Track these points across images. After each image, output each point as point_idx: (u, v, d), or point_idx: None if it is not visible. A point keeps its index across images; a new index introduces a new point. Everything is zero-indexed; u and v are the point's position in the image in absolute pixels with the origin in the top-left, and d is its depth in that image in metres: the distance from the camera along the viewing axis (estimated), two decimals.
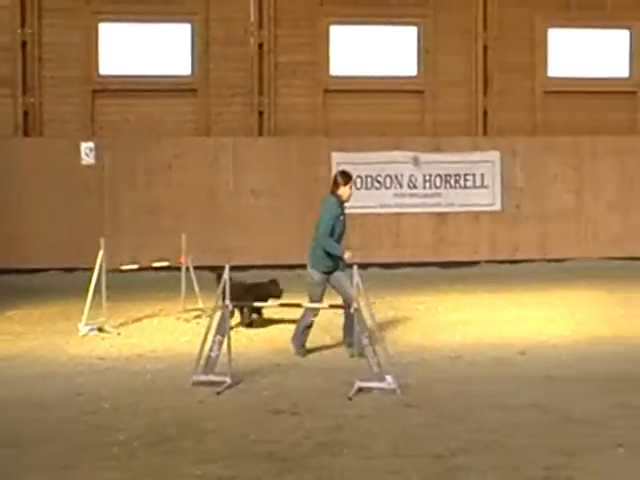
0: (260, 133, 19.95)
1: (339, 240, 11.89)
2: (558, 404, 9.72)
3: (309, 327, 12.12)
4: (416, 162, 19.39)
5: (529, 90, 20.29)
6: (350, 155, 19.25)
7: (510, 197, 19.67)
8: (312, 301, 11.89)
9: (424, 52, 20.02)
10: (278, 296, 13.64)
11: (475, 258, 19.49)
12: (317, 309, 11.88)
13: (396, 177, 19.34)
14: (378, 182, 19.33)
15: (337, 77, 19.98)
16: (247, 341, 13.04)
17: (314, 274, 11.93)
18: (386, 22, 20.14)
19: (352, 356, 11.16)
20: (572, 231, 19.82)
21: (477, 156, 19.59)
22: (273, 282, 13.98)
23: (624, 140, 20.24)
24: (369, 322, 10.48)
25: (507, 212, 19.66)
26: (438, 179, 19.49)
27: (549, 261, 19.54)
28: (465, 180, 19.53)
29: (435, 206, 19.44)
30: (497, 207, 19.62)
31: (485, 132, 20.08)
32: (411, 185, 19.39)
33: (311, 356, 12.06)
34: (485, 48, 20.03)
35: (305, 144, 19.59)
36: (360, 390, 10.06)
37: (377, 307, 14.09)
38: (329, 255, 11.76)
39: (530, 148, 19.93)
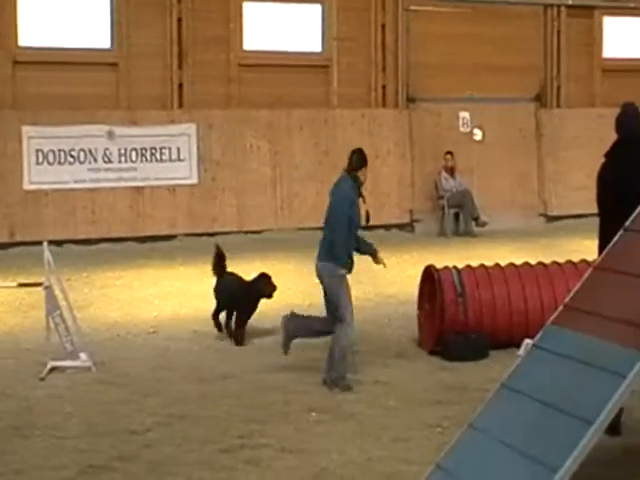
0: None
1: (356, 231, 10.01)
2: (253, 373, 9.90)
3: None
4: (111, 136, 19.06)
5: (224, 63, 20.34)
6: (42, 129, 18.66)
7: (207, 170, 19.72)
8: (340, 308, 9.64)
9: (117, 25, 19.67)
10: (269, 297, 11.64)
11: (173, 232, 19.42)
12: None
13: (90, 151, 18.93)
14: (72, 157, 18.83)
15: (27, 48, 19.27)
16: None
17: (339, 270, 9.74)
18: None
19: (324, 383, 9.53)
20: (269, 203, 20.12)
21: (173, 129, 19.48)
22: (264, 277, 11.73)
23: (318, 113, 20.73)
24: (62, 300, 10.23)
25: (204, 185, 19.68)
26: (134, 153, 19.23)
27: (247, 233, 19.73)
28: (161, 154, 19.39)
29: (131, 180, 19.18)
30: (194, 180, 19.59)
31: (181, 105, 19.99)
32: (106, 159, 19.03)
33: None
34: (179, 21, 19.92)
35: None
36: (53, 370, 9.82)
37: (73, 284, 13.76)
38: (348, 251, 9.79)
39: (226, 121, 20.03)
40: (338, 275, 9.61)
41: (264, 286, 11.57)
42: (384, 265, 10.18)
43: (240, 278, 11.91)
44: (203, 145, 19.71)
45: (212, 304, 11.81)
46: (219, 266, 11.91)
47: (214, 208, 19.72)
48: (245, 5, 20.38)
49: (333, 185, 10.06)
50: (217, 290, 11.82)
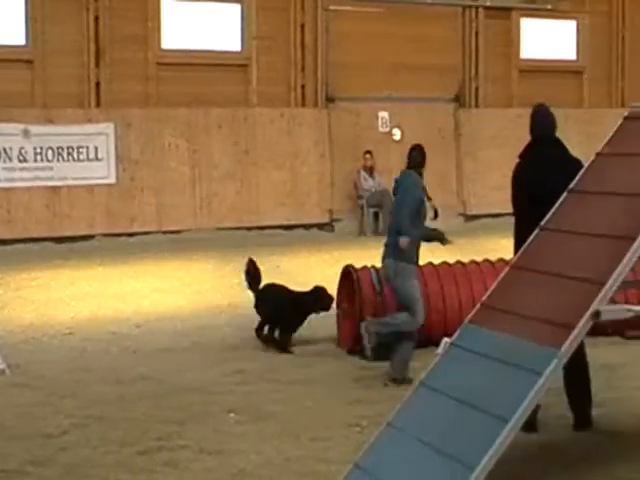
0: None
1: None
2: (172, 375, 9.83)
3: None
4: (26, 134, 18.80)
5: (142, 61, 20.17)
6: None
7: (125, 169, 19.54)
8: (412, 303, 9.48)
9: (32, 21, 19.40)
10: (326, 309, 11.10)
11: (91, 232, 19.20)
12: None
13: (5, 150, 18.65)
14: None
15: None
16: None
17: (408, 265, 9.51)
18: None
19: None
20: (188, 202, 20.00)
21: (90, 128, 19.27)
22: (318, 290, 11.13)
23: (237, 112, 20.67)
24: None
25: (122, 184, 19.50)
26: (50, 152, 18.97)
27: (165, 233, 19.59)
28: (79, 153, 19.15)
29: (48, 180, 18.93)
30: (112, 180, 19.41)
31: (98, 104, 19.79)
32: (21, 159, 18.76)
33: None
34: (97, 18, 19.71)
35: None
36: None
37: None
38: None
39: (144, 120, 19.87)
40: (409, 270, 9.46)
41: (317, 300, 10.96)
42: (451, 243, 10.42)
43: (287, 290, 11.32)
44: (121, 144, 19.52)
45: (131, 305, 11.75)
46: (255, 281, 11.27)
47: (132, 208, 19.55)
48: (163, 3, 20.23)
49: (395, 182, 10.09)
50: (259, 304, 11.12)
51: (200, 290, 14.37)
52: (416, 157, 10.01)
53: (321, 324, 11.69)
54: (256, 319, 11.14)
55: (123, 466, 7.22)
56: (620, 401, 8.72)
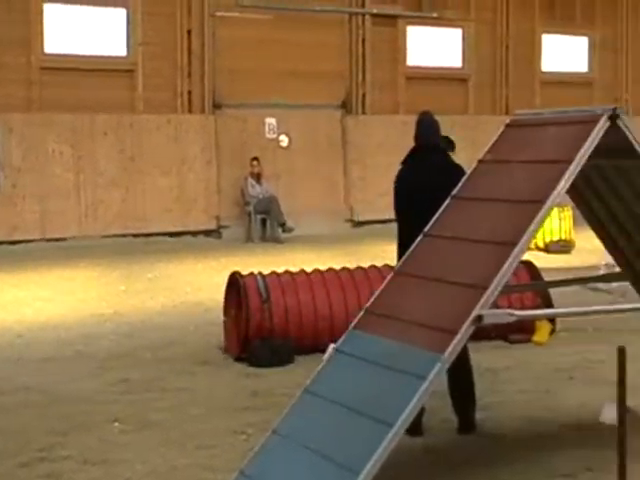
0: None
1: None
2: (54, 385, 9.66)
3: None
4: None
5: (25, 66, 19.84)
6: None
7: (7, 176, 19.19)
8: None
9: None
10: None
11: None
12: None
13: None
14: None
15: None
16: None
17: None
18: None
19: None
20: (72, 209, 19.74)
21: None
22: None
23: (123, 118, 20.47)
24: None
25: (4, 192, 19.15)
26: None
27: (49, 240, 19.30)
28: None
29: None
30: None
31: None
32: None
33: None
34: None
35: None
36: None
37: None
38: None
39: (27, 125, 19.56)
40: None
41: None
42: None
43: None
44: (2, 150, 19.17)
45: (14, 314, 11.47)
46: None
47: (15, 216, 19.21)
48: (46, 7, 19.94)
49: None
50: None
51: (85, 298, 14.18)
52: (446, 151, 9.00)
53: (207, 332, 11.66)
54: (142, 327, 11.04)
55: (3, 479, 7.06)
56: (503, 405, 8.85)
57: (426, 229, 7.17)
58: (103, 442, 7.91)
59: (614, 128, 6.77)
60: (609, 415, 7.70)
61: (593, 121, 6.78)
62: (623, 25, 26.47)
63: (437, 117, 8.44)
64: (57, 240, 19.36)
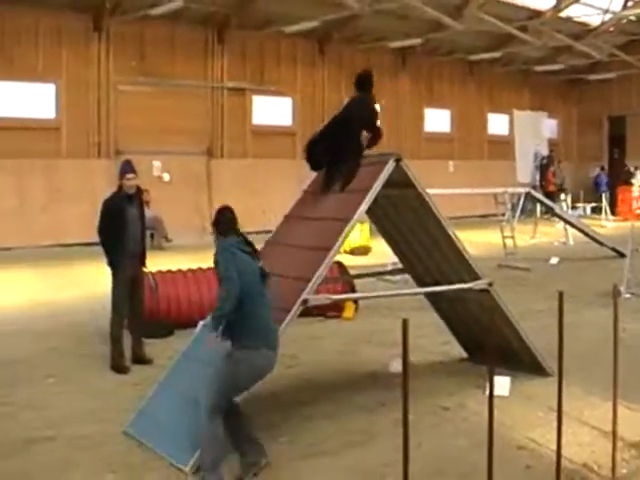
0: None
1: None
2: (5, 353, 9.17)
3: None
4: None
5: None
6: None
7: None
8: None
9: None
10: None
11: None
12: None
13: None
14: None
15: None
16: None
17: None
18: None
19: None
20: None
21: None
22: None
23: (51, 162, 19.70)
24: None
25: None
26: None
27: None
28: None
29: None
30: None
31: None
32: None
33: None
34: None
35: None
36: None
37: None
38: None
39: None
40: None
41: None
42: None
43: None
44: None
45: None
46: None
47: None
48: None
49: None
50: None
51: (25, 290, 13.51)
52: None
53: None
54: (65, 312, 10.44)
55: None
56: (322, 361, 8.90)
57: (268, 239, 7.20)
58: (40, 392, 7.62)
59: (398, 167, 6.91)
60: (396, 367, 7.85)
61: (384, 162, 6.89)
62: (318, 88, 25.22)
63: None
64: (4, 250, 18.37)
